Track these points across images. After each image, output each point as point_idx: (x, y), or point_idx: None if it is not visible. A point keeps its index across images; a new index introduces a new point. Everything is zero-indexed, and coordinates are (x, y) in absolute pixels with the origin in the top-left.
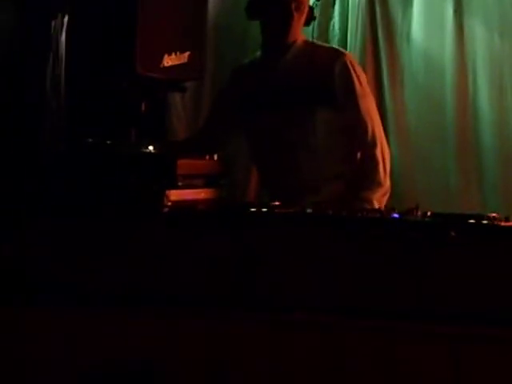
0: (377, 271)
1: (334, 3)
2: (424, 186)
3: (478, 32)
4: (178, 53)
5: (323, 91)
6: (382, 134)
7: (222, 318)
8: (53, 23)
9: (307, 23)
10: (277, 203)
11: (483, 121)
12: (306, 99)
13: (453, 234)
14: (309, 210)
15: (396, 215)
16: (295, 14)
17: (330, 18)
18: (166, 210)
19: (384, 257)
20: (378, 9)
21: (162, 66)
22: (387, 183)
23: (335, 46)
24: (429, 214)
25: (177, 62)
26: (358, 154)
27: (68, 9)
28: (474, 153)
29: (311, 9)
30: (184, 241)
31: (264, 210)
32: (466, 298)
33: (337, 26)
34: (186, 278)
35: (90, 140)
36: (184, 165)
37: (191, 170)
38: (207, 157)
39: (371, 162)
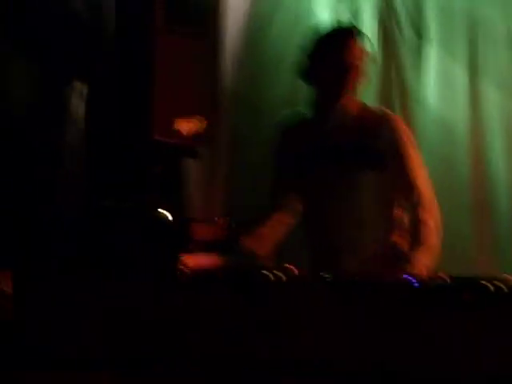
0: (390, 335)
1: None
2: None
3: (493, 96)
4: (192, 119)
5: (372, 154)
6: (432, 196)
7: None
8: (69, 92)
9: (361, 83)
10: (290, 266)
11: (499, 185)
12: (354, 161)
13: (466, 296)
14: (322, 274)
15: (415, 284)
16: (353, 76)
17: None
18: (181, 275)
19: (398, 321)
20: (393, 72)
21: (176, 131)
22: (436, 245)
23: None
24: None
25: (191, 128)
26: (405, 217)
27: (85, 77)
28: (489, 217)
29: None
30: (199, 306)
31: (277, 273)
32: (481, 361)
33: None
34: (201, 342)
35: (107, 204)
36: (198, 230)
37: (205, 235)
38: (219, 221)
39: (421, 225)
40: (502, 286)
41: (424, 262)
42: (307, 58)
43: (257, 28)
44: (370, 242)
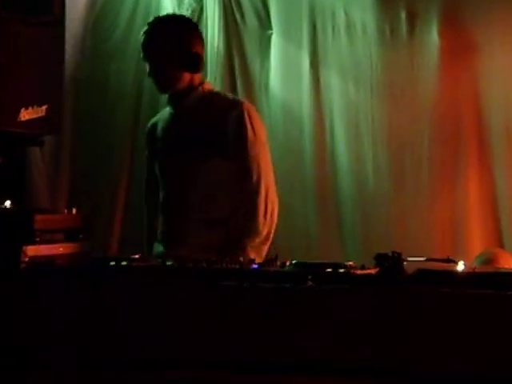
0: (236, 322)
1: None
2: (284, 234)
3: (334, 81)
4: (35, 107)
5: (217, 140)
6: (270, 183)
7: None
8: None
9: (195, 69)
10: (136, 256)
11: (341, 169)
12: (200, 146)
13: (310, 282)
14: (168, 263)
15: (255, 266)
16: (171, 64)
17: None
18: (23, 265)
19: (243, 307)
20: (236, 61)
21: (18, 120)
22: (266, 231)
23: None
24: (287, 263)
25: (34, 116)
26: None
27: None
28: (332, 201)
29: (195, 54)
30: (42, 296)
31: (123, 263)
32: (323, 348)
33: None
34: (45, 334)
35: None
36: (42, 220)
37: (49, 224)
38: (66, 211)
39: (252, 209)
40: (345, 271)
41: (257, 249)
42: None
43: (99, 14)
44: (208, 223)
